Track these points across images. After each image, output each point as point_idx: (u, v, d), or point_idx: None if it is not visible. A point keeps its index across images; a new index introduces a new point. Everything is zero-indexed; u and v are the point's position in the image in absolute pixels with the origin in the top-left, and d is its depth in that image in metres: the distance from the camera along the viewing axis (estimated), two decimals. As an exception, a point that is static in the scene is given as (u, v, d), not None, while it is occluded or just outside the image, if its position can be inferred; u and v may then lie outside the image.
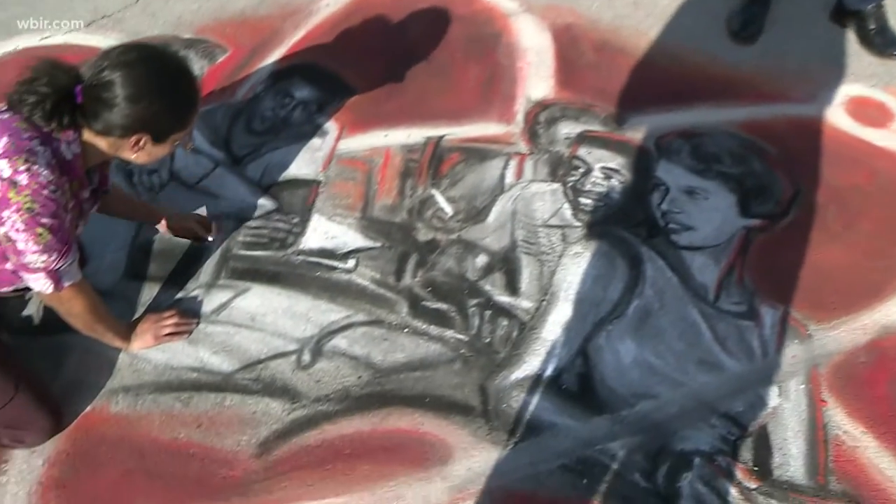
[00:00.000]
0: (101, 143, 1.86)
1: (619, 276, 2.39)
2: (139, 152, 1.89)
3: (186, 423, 2.14)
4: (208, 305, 2.37)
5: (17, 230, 1.74)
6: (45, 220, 1.75)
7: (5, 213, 1.72)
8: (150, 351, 2.27)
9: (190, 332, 2.31)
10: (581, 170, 2.65)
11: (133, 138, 1.84)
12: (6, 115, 1.77)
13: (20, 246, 1.77)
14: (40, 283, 1.88)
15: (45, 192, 1.73)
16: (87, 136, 1.84)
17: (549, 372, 2.20)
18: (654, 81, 2.95)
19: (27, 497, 2.03)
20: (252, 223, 2.56)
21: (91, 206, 2.04)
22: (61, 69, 1.74)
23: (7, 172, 1.69)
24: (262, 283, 2.41)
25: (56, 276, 1.87)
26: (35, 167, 1.71)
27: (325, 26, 3.18)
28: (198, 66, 3.02)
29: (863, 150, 2.71)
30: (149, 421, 2.15)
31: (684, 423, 2.11)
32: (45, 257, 1.81)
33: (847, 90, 2.90)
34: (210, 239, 2.52)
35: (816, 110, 2.83)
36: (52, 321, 2.16)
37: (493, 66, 3.01)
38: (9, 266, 1.90)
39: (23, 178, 1.70)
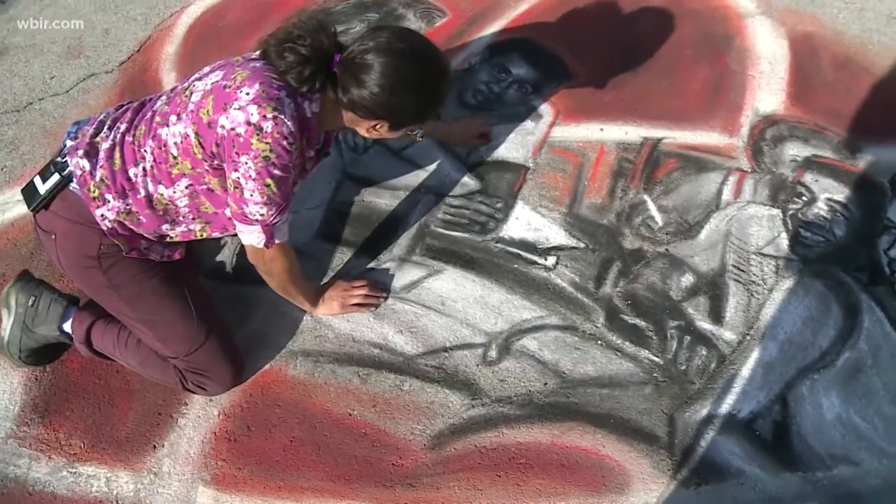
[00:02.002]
0: (341, 113, 1.85)
1: (833, 322, 2.20)
2: (372, 132, 1.88)
3: (362, 401, 2.11)
4: (399, 281, 2.32)
5: (249, 177, 1.74)
6: (275, 172, 1.74)
7: (243, 158, 1.72)
8: (335, 318, 2.25)
9: (377, 306, 2.27)
10: (804, 198, 2.46)
11: (373, 121, 1.82)
12: (259, 63, 1.77)
13: (246, 194, 1.77)
14: (253, 237, 1.88)
15: (284, 143, 1.72)
16: (329, 101, 1.82)
17: (743, 414, 2.04)
18: (899, 109, 2.70)
19: (201, 444, 2.06)
20: (453, 201, 2.49)
21: (312, 166, 2.02)
22: (325, 33, 1.73)
23: (255, 118, 1.68)
24: (457, 267, 2.34)
25: (270, 232, 1.87)
26: (281, 117, 1.70)
27: (549, 3, 3.08)
28: (414, 26, 2.97)
29: None
30: (325, 391, 2.13)
31: (887, 501, 1.91)
32: (264, 210, 1.80)
33: None
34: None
35: None
36: (244, 270, 2.17)
37: (722, 71, 2.83)
38: (227, 212, 1.91)
39: (268, 126, 1.69)
